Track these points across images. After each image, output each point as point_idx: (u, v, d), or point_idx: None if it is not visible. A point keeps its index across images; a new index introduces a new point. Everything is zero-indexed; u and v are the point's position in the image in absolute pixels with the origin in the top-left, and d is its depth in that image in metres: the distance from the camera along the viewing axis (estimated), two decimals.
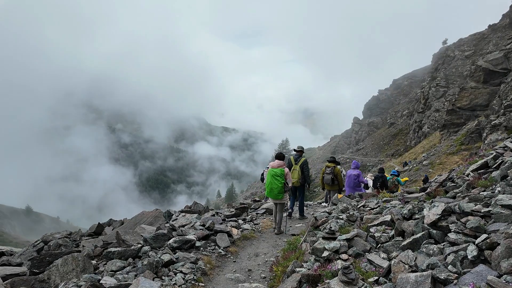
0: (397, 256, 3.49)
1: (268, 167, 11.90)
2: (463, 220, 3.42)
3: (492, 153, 5.34)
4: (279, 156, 8.13)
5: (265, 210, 10.28)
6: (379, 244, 4.15)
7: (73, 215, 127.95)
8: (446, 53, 48.75)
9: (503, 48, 30.01)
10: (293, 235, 7.47)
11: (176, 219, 9.34)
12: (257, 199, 13.37)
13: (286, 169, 7.90)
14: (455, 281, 2.67)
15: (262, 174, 13.00)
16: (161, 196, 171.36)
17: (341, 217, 5.57)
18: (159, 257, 5.38)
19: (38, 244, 8.60)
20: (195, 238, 6.51)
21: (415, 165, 28.21)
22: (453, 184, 5.20)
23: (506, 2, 36.65)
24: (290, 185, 7.90)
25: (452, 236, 3.28)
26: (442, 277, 2.72)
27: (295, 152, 9.59)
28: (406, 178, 18.79)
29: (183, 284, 4.93)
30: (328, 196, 12.00)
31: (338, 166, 10.84)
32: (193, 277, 5.16)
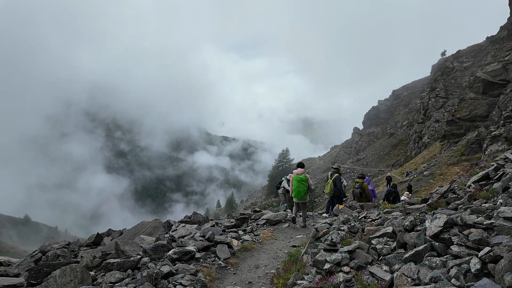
0: (399, 268, 3.46)
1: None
2: (466, 232, 3.40)
3: (493, 165, 5.34)
4: (301, 165, 9.78)
5: (265, 220, 10.11)
6: (381, 256, 4.11)
7: (68, 223, 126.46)
8: (445, 64, 49.09)
9: (501, 59, 30.28)
10: (294, 246, 7.40)
11: (176, 229, 9.24)
12: (257, 209, 13.23)
13: (308, 175, 9.53)
14: None
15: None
16: (158, 205, 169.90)
17: (342, 228, 5.54)
18: (159, 269, 5.33)
19: (36, 254, 8.49)
20: (195, 249, 6.44)
21: (415, 176, 28.12)
22: (454, 195, 5.19)
23: (504, 14, 37.24)
24: (312, 187, 9.65)
25: (454, 248, 3.26)
26: None
27: (333, 169, 11.40)
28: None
29: None
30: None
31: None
32: None
